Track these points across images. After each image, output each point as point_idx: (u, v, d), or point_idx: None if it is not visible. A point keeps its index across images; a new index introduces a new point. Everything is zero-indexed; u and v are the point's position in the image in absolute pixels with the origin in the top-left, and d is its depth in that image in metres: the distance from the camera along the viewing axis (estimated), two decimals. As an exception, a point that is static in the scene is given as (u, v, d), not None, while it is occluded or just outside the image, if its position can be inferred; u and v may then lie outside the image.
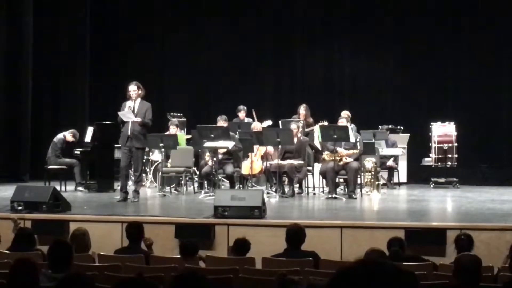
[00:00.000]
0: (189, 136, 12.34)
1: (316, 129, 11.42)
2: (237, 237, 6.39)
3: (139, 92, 9.85)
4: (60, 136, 12.05)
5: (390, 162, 12.33)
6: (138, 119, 9.74)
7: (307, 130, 12.01)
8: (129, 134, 9.77)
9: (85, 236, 6.17)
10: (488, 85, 13.87)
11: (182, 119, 12.96)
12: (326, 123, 11.37)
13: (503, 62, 13.85)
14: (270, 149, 10.87)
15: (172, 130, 11.87)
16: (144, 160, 10.93)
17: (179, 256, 5.95)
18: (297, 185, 11.08)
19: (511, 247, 5.95)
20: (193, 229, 7.71)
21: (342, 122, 10.99)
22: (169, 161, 11.67)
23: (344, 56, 14.90)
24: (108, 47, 14.96)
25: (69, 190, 11.41)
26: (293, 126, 10.84)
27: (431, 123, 12.57)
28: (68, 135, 12.08)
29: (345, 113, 11.67)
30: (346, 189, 10.81)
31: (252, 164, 10.94)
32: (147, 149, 11.80)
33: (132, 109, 9.80)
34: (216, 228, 7.78)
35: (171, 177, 11.59)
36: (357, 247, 7.04)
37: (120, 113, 9.87)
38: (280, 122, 11.98)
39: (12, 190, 8.88)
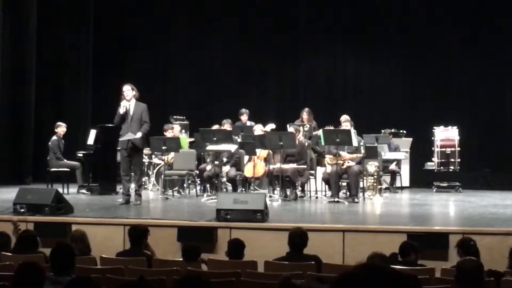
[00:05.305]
0: (192, 139, 12.35)
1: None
2: (230, 239, 6.36)
3: (134, 93, 9.84)
4: (52, 138, 12.05)
5: (392, 166, 12.32)
6: (139, 135, 9.74)
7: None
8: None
9: (84, 238, 6.17)
10: (491, 90, 13.87)
11: (185, 122, 12.97)
12: (332, 128, 11.35)
13: (506, 66, 13.84)
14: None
15: (174, 132, 11.86)
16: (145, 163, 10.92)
17: (181, 259, 5.94)
18: (300, 188, 11.07)
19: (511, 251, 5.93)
20: (195, 232, 7.72)
21: (346, 126, 10.98)
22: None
23: (347, 60, 14.92)
24: (110, 49, 14.97)
25: (72, 193, 11.42)
26: (292, 129, 10.83)
27: (434, 127, 12.56)
28: (57, 130, 12.07)
29: (345, 117, 11.62)
30: (348, 193, 10.80)
31: (255, 166, 10.94)
32: (149, 152, 11.81)
33: (128, 110, 9.80)
34: (219, 231, 7.78)
35: (173, 180, 11.59)
36: (360, 251, 7.03)
37: (120, 140, 9.89)
38: (288, 125, 11.94)
39: (15, 193, 8.88)
